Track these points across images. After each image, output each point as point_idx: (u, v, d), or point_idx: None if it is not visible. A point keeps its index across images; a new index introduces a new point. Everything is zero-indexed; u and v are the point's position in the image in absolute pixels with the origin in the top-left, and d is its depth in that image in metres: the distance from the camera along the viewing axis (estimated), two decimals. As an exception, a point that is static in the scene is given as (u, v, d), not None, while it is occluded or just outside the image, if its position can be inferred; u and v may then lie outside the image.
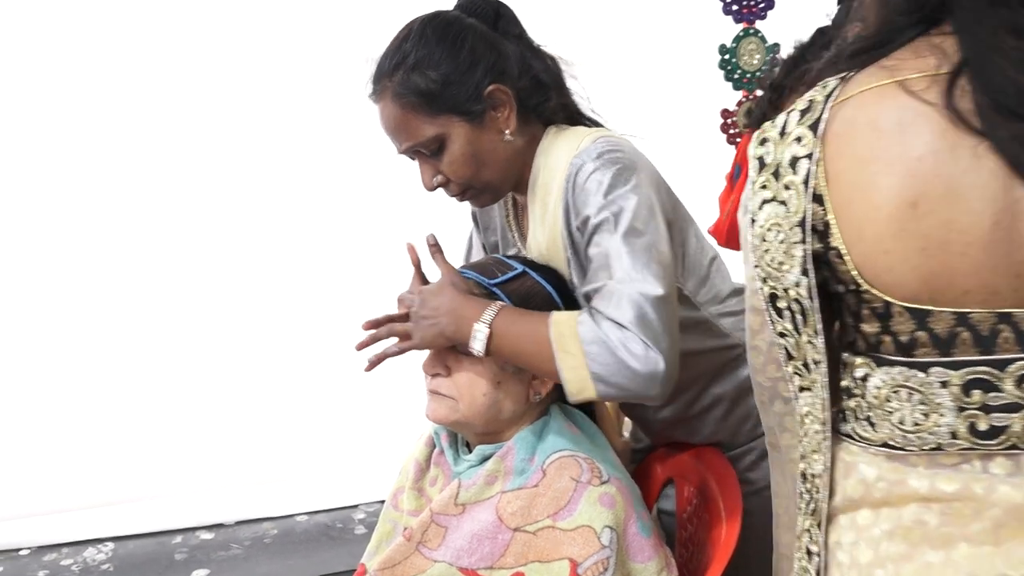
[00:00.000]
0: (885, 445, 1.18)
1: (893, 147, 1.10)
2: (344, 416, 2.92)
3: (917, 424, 1.15)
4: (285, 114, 3.00)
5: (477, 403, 1.69)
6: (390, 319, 1.71)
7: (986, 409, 1.11)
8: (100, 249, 2.88)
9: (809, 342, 1.21)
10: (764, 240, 1.20)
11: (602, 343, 1.50)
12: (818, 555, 1.27)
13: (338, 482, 2.89)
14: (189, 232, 2.95)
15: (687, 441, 1.93)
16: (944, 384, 1.13)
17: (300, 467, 2.85)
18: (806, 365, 1.23)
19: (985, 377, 1.11)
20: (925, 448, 1.15)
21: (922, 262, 1.10)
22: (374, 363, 1.70)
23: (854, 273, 1.15)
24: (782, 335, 1.23)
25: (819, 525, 1.26)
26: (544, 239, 1.75)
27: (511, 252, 1.92)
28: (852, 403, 1.23)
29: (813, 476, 1.27)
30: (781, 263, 1.19)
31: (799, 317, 1.21)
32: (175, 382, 2.86)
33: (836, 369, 1.25)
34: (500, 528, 1.66)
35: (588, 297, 1.61)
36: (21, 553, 2.62)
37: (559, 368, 1.54)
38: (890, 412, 1.17)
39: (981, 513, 1.12)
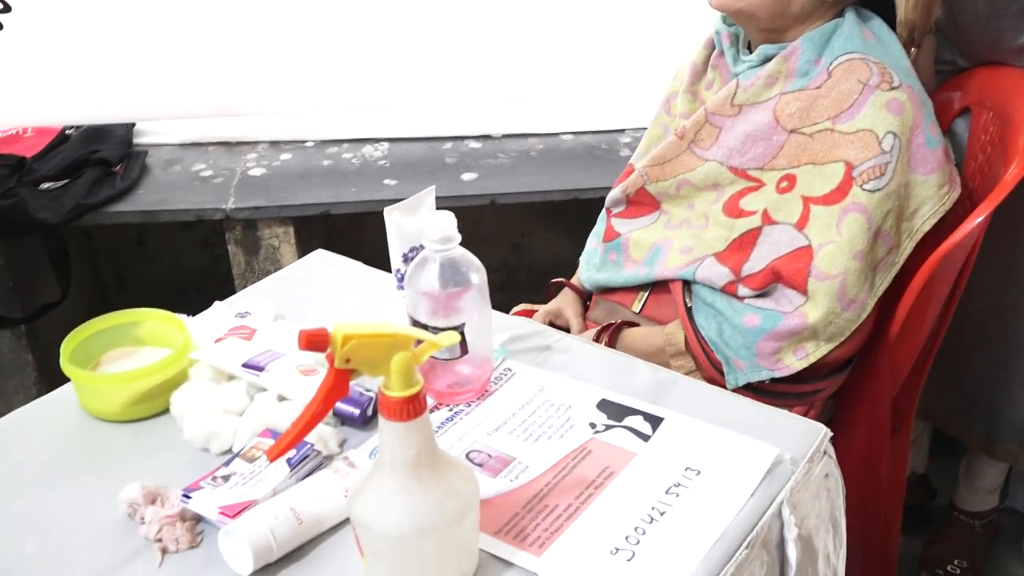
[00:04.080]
0: None
1: None
2: (613, 38, 2.83)
3: None
4: None
5: None
6: None
7: None
8: None
9: None
10: None
11: None
12: None
13: (606, 105, 2.86)
14: None
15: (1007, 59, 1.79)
16: None
17: (568, 87, 2.82)
18: None
19: None
20: None
21: None
22: None
23: None
24: None
25: None
26: None
27: None
28: None
29: None
30: None
31: None
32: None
33: None
34: (776, 129, 1.61)
35: None
36: (307, 144, 2.79)
37: None
38: None
39: None
